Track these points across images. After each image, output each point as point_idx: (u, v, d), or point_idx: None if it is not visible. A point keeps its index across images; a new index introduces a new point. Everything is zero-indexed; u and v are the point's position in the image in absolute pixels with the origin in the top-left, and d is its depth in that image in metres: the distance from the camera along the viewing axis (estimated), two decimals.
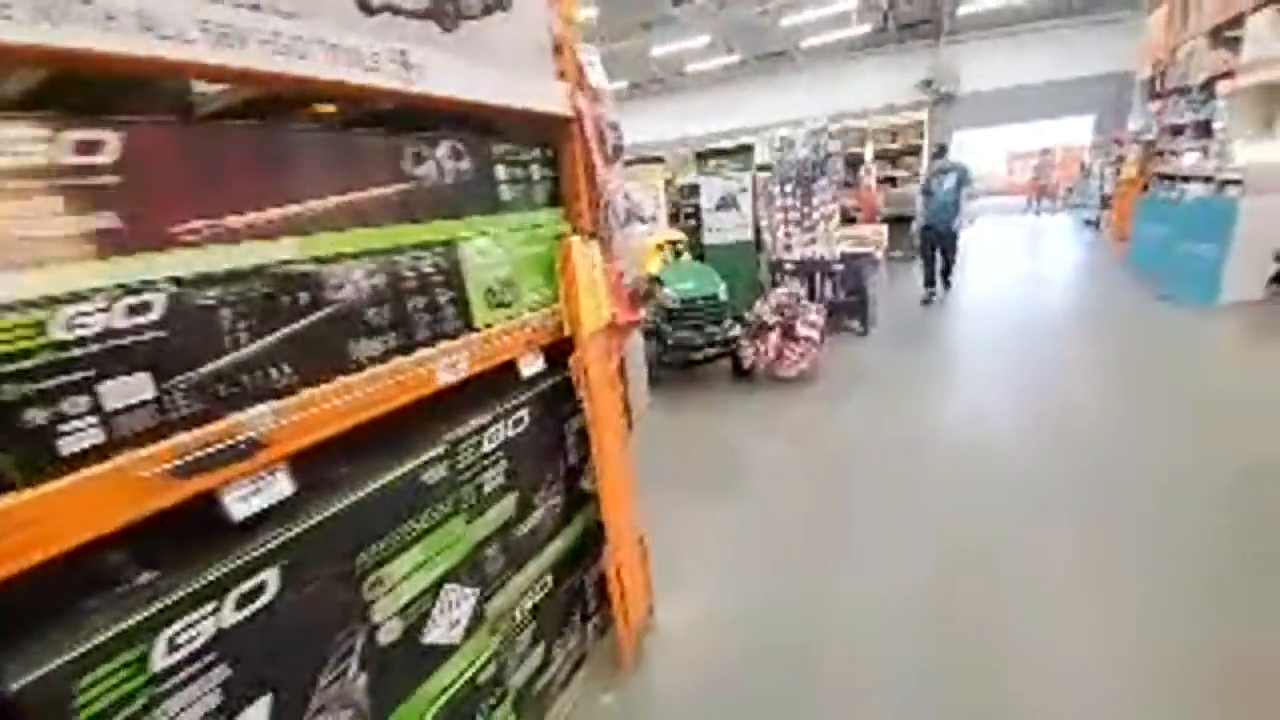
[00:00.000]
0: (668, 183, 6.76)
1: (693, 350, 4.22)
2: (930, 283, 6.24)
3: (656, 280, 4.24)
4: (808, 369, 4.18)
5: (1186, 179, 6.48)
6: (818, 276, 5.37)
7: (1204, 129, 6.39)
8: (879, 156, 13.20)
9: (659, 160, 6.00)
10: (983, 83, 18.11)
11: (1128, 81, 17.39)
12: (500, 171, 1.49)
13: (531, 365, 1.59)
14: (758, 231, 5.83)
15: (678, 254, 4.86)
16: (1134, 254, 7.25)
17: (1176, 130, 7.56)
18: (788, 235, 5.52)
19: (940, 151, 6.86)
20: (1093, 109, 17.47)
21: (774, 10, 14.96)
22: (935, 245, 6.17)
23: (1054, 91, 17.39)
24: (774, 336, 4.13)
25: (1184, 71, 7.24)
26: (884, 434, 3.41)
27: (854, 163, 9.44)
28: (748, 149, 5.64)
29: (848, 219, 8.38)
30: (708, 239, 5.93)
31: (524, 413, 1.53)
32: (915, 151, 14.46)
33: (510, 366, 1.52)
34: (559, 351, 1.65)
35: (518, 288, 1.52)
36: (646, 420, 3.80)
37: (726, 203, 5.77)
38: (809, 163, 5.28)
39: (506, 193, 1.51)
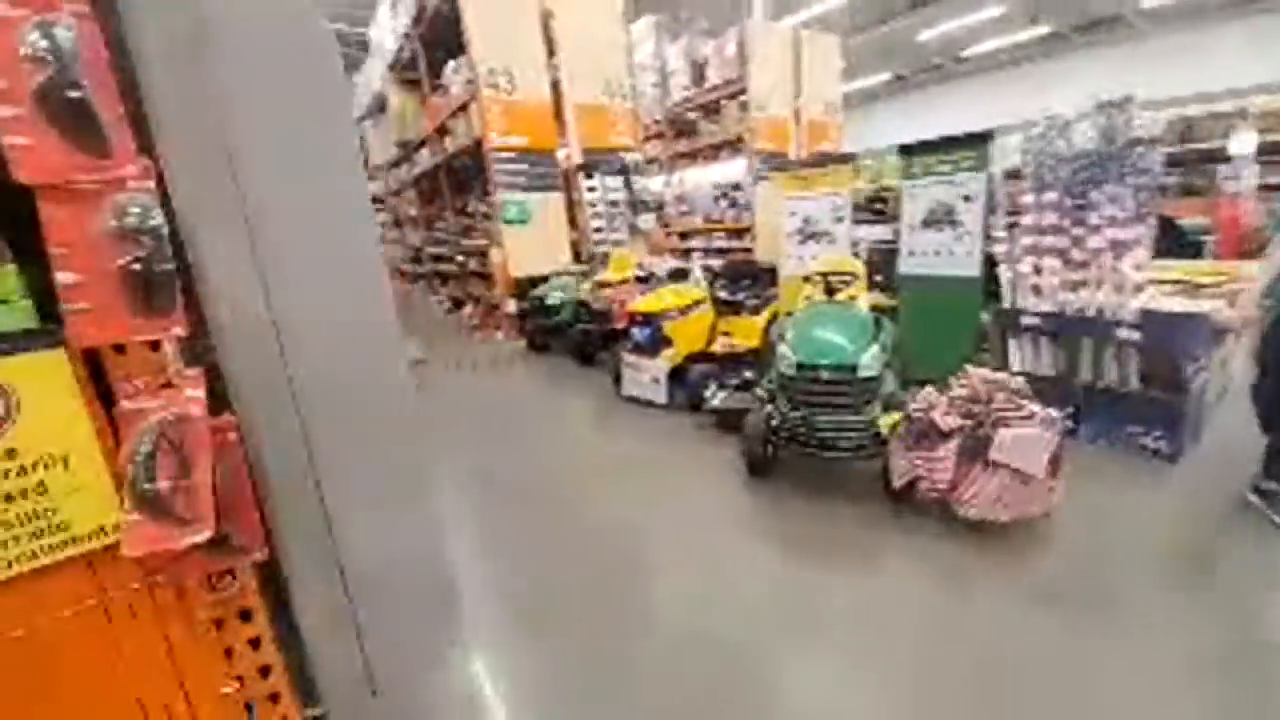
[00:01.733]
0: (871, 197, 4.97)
1: (807, 443, 2.71)
2: None
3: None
4: (1023, 513, 2.30)
5: None
6: (1086, 345, 3.15)
7: None
8: (1264, 154, 8.57)
9: (846, 160, 4.29)
10: None
11: None
12: None
13: None
14: (990, 264, 3.77)
15: (830, 291, 3.26)
16: None
17: None
18: (1037, 270, 3.39)
19: None
20: None
21: None
22: None
23: None
24: (947, 450, 2.34)
25: None
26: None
27: (1200, 160, 6.02)
28: (983, 138, 3.60)
29: (1185, 240, 5.25)
30: (905, 268, 4.08)
31: None
32: None
33: None
34: None
35: None
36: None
37: (937, 217, 3.85)
38: (1092, 157, 3.11)
39: None
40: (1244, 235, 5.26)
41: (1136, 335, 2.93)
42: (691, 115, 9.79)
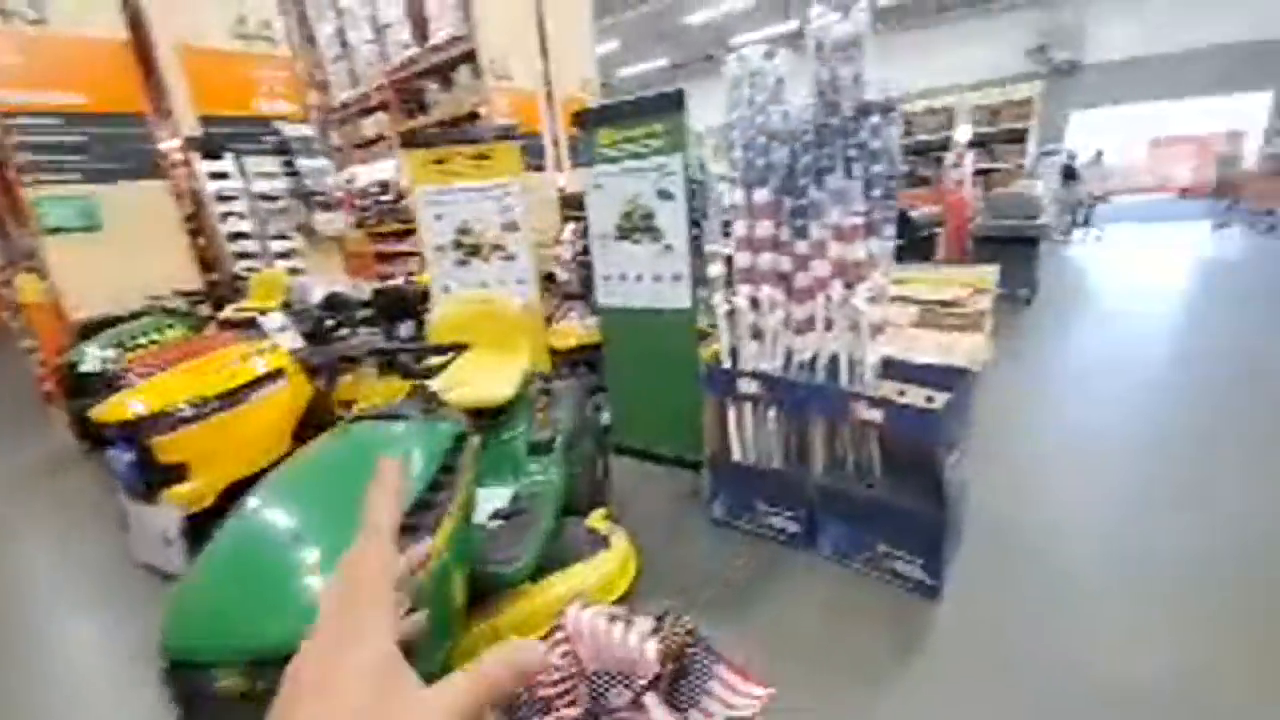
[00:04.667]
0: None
1: None
2: None
3: None
4: None
5: None
6: (817, 423, 2.05)
7: None
8: (976, 145, 9.26)
9: (510, 137, 2.72)
10: (1116, 49, 13.23)
11: None
12: None
13: None
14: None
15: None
16: None
17: None
18: (755, 304, 2.23)
19: None
20: (1271, 84, 12.26)
21: None
22: None
23: (1215, 60, 12.30)
24: None
25: None
26: None
27: (930, 150, 5.78)
28: (674, 101, 2.30)
29: (919, 236, 4.83)
30: (603, 296, 2.72)
31: None
32: (1018, 138, 10.38)
33: None
34: None
35: None
36: None
37: (634, 223, 2.54)
38: (812, 132, 1.97)
39: None
40: (965, 221, 5.00)
41: (876, 414, 1.84)
42: (420, 83, 7.65)
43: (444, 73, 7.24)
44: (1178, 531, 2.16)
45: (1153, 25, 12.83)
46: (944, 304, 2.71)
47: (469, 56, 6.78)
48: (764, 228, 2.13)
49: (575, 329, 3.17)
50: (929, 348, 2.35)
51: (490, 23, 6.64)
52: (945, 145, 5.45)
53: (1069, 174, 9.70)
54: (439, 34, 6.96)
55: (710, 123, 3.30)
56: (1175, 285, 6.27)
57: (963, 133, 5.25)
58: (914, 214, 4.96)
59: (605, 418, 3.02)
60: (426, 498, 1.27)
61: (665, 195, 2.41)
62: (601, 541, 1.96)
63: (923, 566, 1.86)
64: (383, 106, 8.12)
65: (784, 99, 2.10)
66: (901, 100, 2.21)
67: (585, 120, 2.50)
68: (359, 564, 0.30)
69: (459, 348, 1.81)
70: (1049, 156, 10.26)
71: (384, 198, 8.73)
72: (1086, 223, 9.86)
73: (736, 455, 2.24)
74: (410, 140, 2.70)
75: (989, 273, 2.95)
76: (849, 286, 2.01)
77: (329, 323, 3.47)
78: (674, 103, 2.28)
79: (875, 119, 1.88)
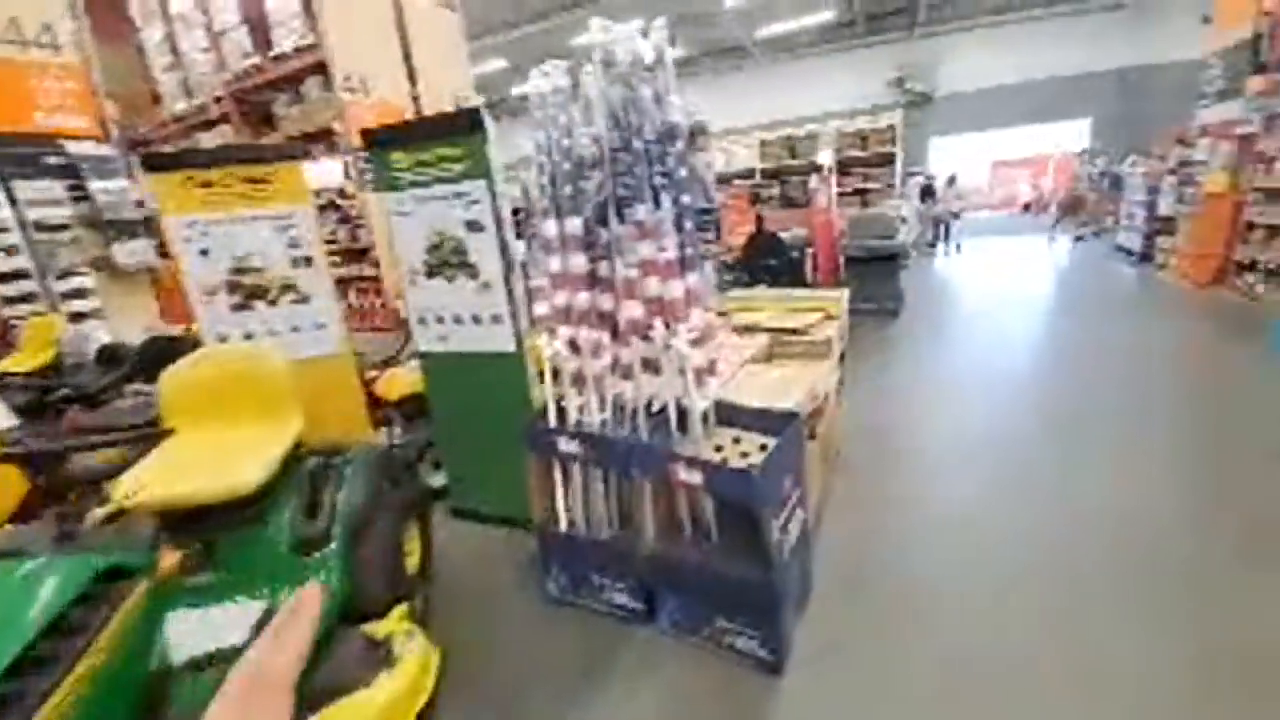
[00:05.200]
0: None
1: None
2: None
3: None
4: None
5: None
6: (644, 487, 1.78)
7: None
8: (845, 167, 9.85)
9: (289, 155, 2.28)
10: (964, 82, 14.83)
11: (1130, 79, 14.40)
12: None
13: None
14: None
15: None
16: None
17: None
18: (574, 347, 1.96)
19: None
20: (1089, 111, 14.29)
21: None
22: None
23: (1045, 91, 14.15)
24: None
25: None
26: None
27: (798, 173, 5.96)
28: (473, 121, 2.00)
29: (788, 257, 4.88)
30: (422, 340, 2.35)
31: None
32: (888, 161, 11.20)
33: None
34: None
35: None
36: None
37: (444, 257, 2.20)
38: (618, 149, 1.74)
39: None
40: (834, 245, 5.12)
41: (695, 476, 1.62)
42: (265, 96, 6.84)
43: (293, 84, 6.52)
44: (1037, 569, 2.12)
45: (985, 62, 14.47)
46: (793, 332, 2.60)
47: (319, 68, 6.14)
48: (577, 262, 1.87)
49: (405, 375, 2.75)
50: (771, 384, 2.20)
51: (343, 33, 6.06)
52: (818, 169, 5.64)
53: (928, 192, 10.72)
54: (284, 43, 6.27)
55: None
56: (1022, 287, 7.01)
57: (825, 156, 5.44)
58: (784, 235, 5.02)
59: (439, 479, 2.62)
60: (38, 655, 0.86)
61: (475, 227, 2.09)
62: (385, 658, 1.57)
63: (761, 641, 1.64)
64: (224, 119, 7.19)
65: (595, 120, 1.86)
66: (706, 127, 2.04)
67: (373, 141, 2.13)
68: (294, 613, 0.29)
69: (161, 433, 1.37)
70: (912, 177, 11.34)
71: None
72: (947, 237, 10.78)
73: (564, 523, 1.94)
74: (156, 161, 2.17)
75: (837, 297, 2.90)
76: (668, 327, 1.79)
77: (104, 381, 2.82)
78: (472, 122, 1.98)
79: (678, 145, 1.69)
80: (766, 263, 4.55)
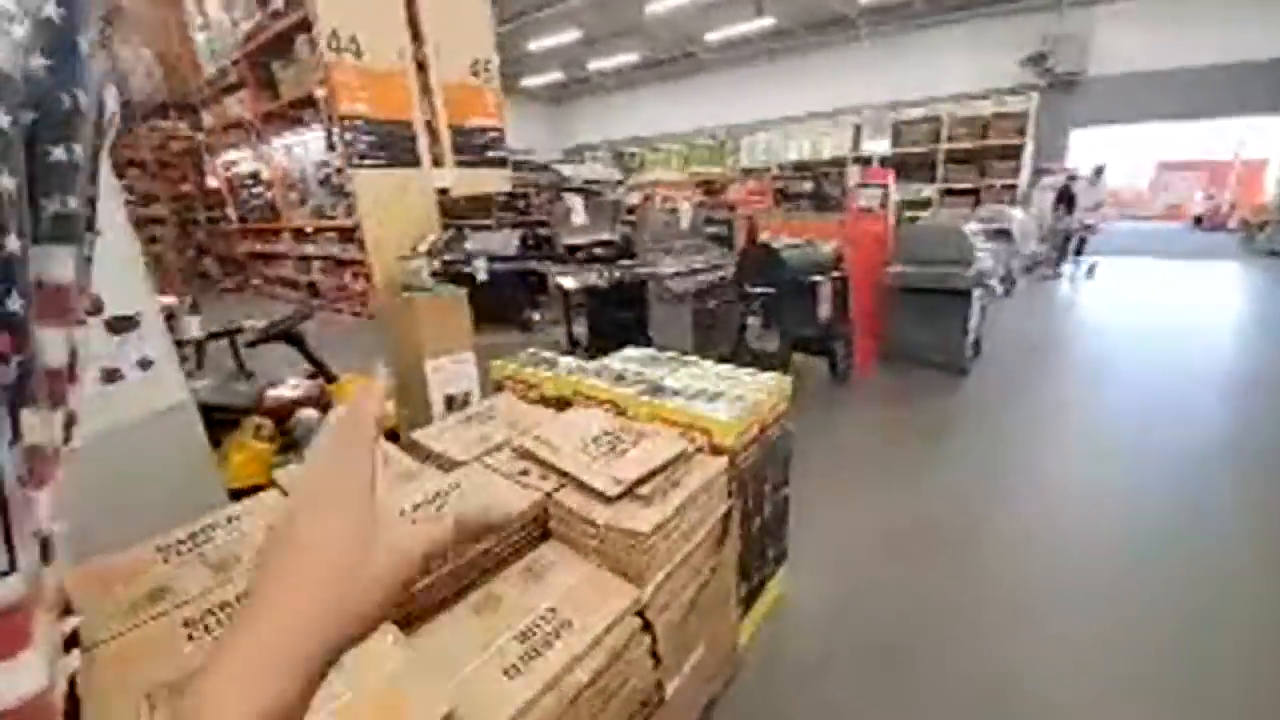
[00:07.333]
0: None
1: None
2: None
3: None
4: None
5: None
6: None
7: None
8: (955, 159, 7.94)
9: None
10: (1120, 63, 11.69)
11: None
12: None
13: None
14: None
15: None
16: None
17: None
18: None
19: None
20: None
21: None
22: None
23: (1228, 78, 10.73)
24: None
25: None
26: None
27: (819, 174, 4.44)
28: None
29: (801, 282, 3.39)
30: None
31: None
32: (1013, 153, 9.08)
33: None
34: None
35: None
36: None
37: None
38: None
39: None
40: (878, 264, 3.57)
41: None
42: (268, 58, 6.34)
43: (288, 45, 5.95)
44: None
45: (1151, 39, 11.35)
46: (598, 494, 1.32)
47: (305, 25, 5.47)
48: None
49: None
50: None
51: None
52: (865, 162, 4.07)
53: (1063, 197, 8.09)
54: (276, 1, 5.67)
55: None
56: (1189, 355, 4.38)
57: (877, 145, 3.84)
58: (791, 253, 3.35)
59: None
60: None
61: None
62: None
63: None
64: (242, 84, 6.85)
65: None
66: None
67: None
68: (352, 413, 0.31)
69: None
70: (1044, 175, 8.62)
71: (255, 189, 7.51)
72: (1078, 255, 8.39)
73: None
74: None
75: (758, 399, 1.55)
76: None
77: None
78: None
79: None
80: (753, 289, 3.13)
